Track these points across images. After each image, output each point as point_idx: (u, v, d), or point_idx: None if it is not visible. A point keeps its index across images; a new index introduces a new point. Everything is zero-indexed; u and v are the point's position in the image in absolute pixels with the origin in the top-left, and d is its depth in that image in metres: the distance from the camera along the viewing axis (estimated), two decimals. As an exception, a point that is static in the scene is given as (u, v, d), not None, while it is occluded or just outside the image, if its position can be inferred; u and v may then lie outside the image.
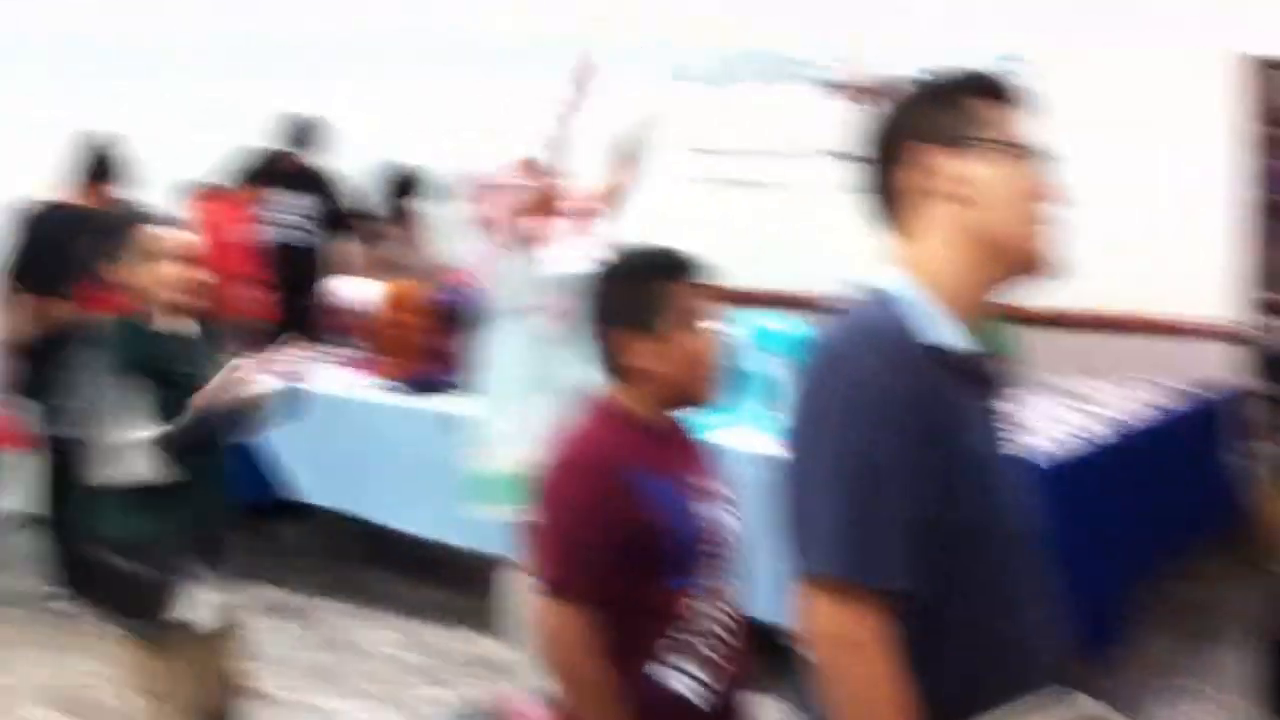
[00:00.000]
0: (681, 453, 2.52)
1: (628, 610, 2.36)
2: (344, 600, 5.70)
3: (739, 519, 2.55)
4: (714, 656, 2.42)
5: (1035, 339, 4.62)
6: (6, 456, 5.96)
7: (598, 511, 2.34)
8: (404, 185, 7.04)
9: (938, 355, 1.72)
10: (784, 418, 1.81)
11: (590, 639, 2.34)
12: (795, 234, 6.20)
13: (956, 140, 1.77)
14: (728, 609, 2.47)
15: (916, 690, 1.69)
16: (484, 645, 5.12)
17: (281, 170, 6.71)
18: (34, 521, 5.93)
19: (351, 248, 7.15)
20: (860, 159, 1.86)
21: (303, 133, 7.17)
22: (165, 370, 3.43)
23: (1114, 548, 4.29)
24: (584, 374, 4.16)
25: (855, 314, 1.77)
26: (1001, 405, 1.87)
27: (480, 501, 4.49)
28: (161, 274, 3.46)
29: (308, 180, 6.99)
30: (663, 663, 2.38)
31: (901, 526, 1.67)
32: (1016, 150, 1.78)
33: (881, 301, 1.76)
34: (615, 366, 2.48)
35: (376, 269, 6.63)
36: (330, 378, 5.73)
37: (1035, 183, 1.79)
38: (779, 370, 4.60)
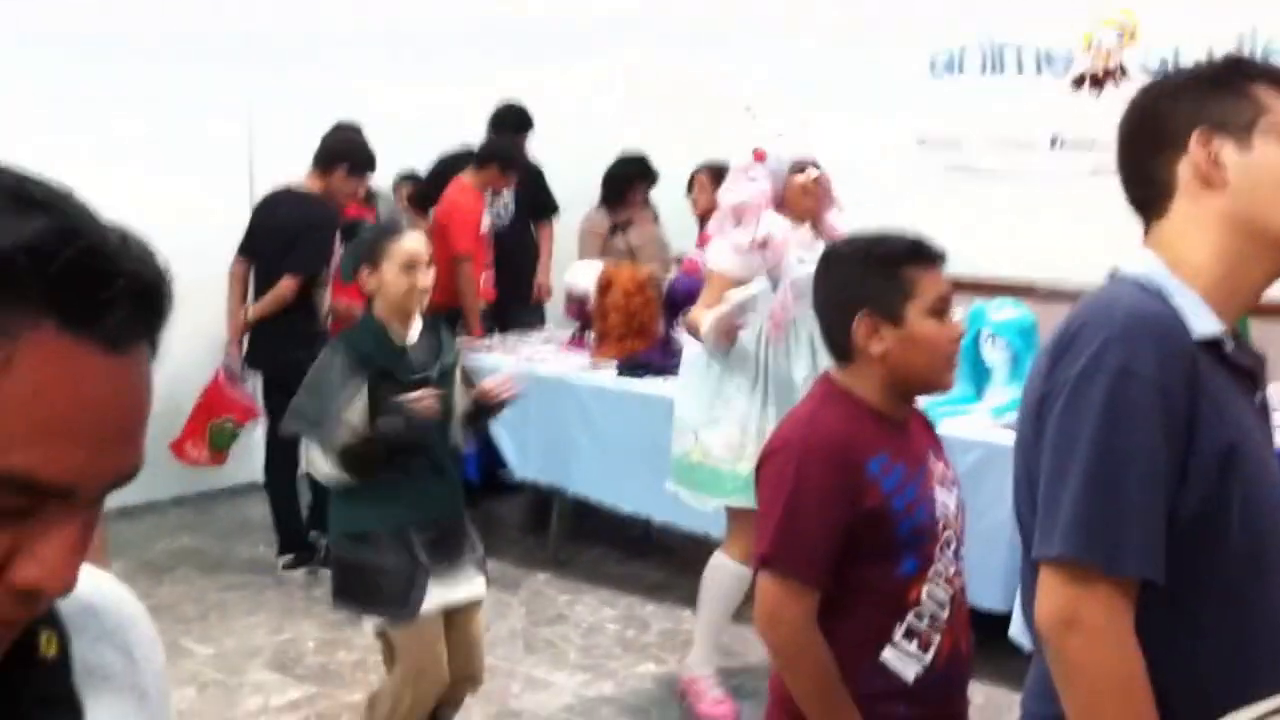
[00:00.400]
0: (914, 438, 2.51)
1: (858, 595, 2.38)
2: (556, 575, 5.83)
3: (964, 504, 2.54)
4: (939, 640, 2.42)
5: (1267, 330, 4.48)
6: (236, 427, 6.21)
7: (825, 494, 2.34)
8: (632, 173, 7.10)
9: (1206, 347, 1.68)
10: (1022, 402, 1.80)
11: (809, 617, 2.35)
12: (1022, 222, 6.13)
13: (1248, 129, 1.70)
14: (955, 594, 2.46)
15: (1164, 684, 1.66)
16: (693, 621, 5.15)
17: (510, 157, 6.78)
18: (262, 489, 6.17)
19: (560, 232, 7.27)
20: (1124, 146, 1.81)
21: (519, 120, 7.27)
22: (394, 377, 3.58)
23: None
24: (800, 370, 4.16)
25: (1120, 302, 1.70)
26: (1264, 399, 1.81)
27: (682, 488, 4.52)
28: (410, 284, 3.61)
29: (522, 168, 7.10)
30: (891, 646, 2.39)
31: (1150, 517, 1.63)
32: None
33: (1147, 291, 1.70)
34: (850, 352, 2.45)
35: (599, 253, 6.73)
36: (547, 359, 5.85)
37: None
38: (999, 356, 4.55)
